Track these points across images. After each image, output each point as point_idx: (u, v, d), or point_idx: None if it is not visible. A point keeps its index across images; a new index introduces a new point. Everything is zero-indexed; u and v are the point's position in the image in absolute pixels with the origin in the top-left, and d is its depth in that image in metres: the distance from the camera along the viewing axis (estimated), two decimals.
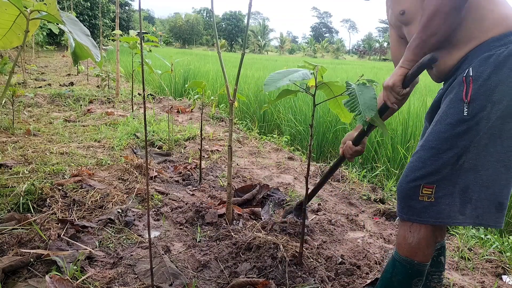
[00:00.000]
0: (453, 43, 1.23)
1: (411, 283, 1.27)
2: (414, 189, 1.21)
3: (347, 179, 3.24)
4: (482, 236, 2.33)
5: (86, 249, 1.77)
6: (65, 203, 2.18)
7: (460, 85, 1.17)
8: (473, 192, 1.18)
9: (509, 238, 2.31)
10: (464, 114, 1.14)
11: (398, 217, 1.33)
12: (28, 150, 3.08)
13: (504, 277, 1.89)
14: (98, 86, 7.20)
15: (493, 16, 1.18)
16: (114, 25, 13.35)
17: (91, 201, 2.23)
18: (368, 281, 1.71)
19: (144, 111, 1.25)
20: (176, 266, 1.69)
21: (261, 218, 2.31)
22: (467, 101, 1.14)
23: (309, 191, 1.80)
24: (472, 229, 2.45)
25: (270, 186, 2.72)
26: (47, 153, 3.03)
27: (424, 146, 1.22)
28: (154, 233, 2.05)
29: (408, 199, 1.23)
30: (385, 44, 71.35)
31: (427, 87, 9.12)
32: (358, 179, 3.32)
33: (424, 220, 1.21)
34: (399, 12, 1.34)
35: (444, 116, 1.19)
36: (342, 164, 1.82)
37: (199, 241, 1.99)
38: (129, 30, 4.59)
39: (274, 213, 2.43)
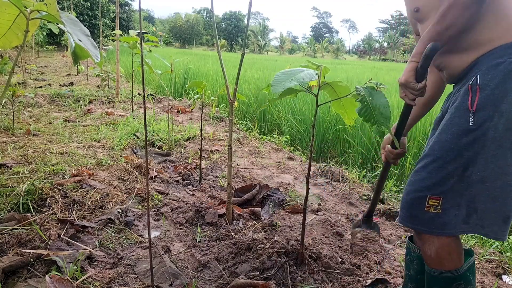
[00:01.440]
0: (464, 47, 1.19)
1: None
2: (419, 200, 1.19)
3: (347, 179, 3.24)
4: (482, 236, 2.33)
5: (86, 249, 1.77)
6: (65, 203, 2.18)
7: (466, 94, 1.13)
8: (479, 202, 1.14)
9: (509, 238, 2.31)
10: (470, 124, 1.11)
11: (397, 220, 1.32)
12: (28, 150, 3.08)
13: (504, 277, 1.89)
14: (98, 86, 7.19)
15: (508, 22, 1.14)
16: (114, 25, 13.35)
17: (91, 201, 2.23)
18: (369, 281, 1.71)
19: (144, 111, 1.25)
20: (176, 266, 1.69)
21: (261, 218, 2.31)
22: (472, 111, 1.10)
23: (370, 206, 1.75)
24: None
25: (270, 186, 2.72)
26: (47, 153, 3.03)
27: (429, 155, 1.19)
28: (154, 233, 2.04)
29: (413, 208, 1.21)
30: (385, 44, 71.38)
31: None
32: (358, 179, 3.32)
33: (429, 231, 1.19)
34: (414, 9, 1.30)
35: (449, 125, 1.15)
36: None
37: (199, 241, 1.99)
38: (129, 30, 4.59)
39: (274, 213, 2.43)
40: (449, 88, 1.42)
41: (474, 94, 1.11)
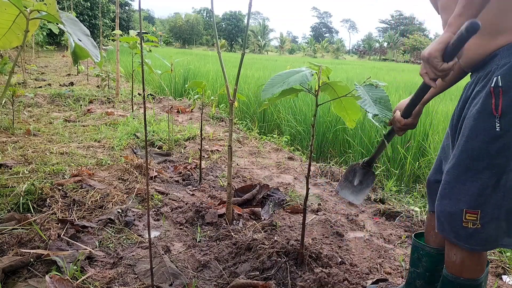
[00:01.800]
0: (487, 29, 1.08)
1: None
2: (456, 215, 1.12)
3: None
4: None
5: (86, 249, 1.77)
6: (65, 203, 2.18)
7: (488, 97, 1.06)
8: None
9: None
10: (497, 129, 1.05)
11: (436, 228, 1.21)
12: (28, 150, 3.08)
13: (504, 277, 1.89)
14: (98, 86, 7.20)
15: None
16: (114, 25, 13.35)
17: (91, 201, 2.23)
18: (369, 282, 1.71)
19: (144, 111, 1.25)
20: (176, 266, 1.69)
21: (261, 218, 2.31)
22: (498, 115, 1.04)
23: (372, 154, 1.72)
24: None
25: (270, 186, 2.72)
26: (47, 153, 3.03)
27: (459, 166, 1.12)
28: (154, 233, 2.04)
29: (452, 223, 1.14)
30: (385, 44, 71.37)
31: None
32: None
33: (471, 248, 1.13)
34: None
35: (475, 132, 1.08)
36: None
37: (199, 241, 1.99)
38: (129, 30, 4.59)
39: (274, 213, 2.43)
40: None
41: (497, 97, 1.05)
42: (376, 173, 3.57)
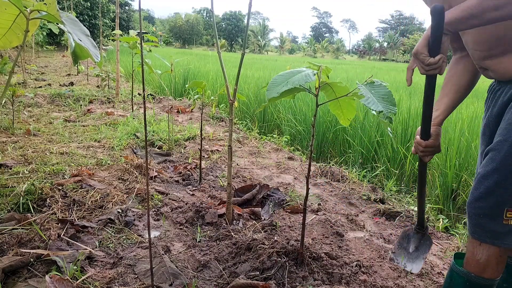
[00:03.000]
0: None
1: None
2: (497, 213, 1.15)
3: (347, 179, 3.24)
4: None
5: (86, 249, 1.77)
6: (65, 203, 2.18)
7: None
8: None
9: None
10: None
11: (468, 232, 1.22)
12: (28, 150, 3.08)
13: None
14: (98, 86, 7.20)
15: None
16: (114, 25, 13.35)
17: (91, 201, 2.23)
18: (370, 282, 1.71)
19: (144, 111, 1.25)
20: (176, 266, 1.69)
21: (261, 218, 2.31)
22: None
23: (418, 215, 1.63)
24: None
25: (270, 186, 2.72)
26: (47, 153, 3.03)
27: (502, 170, 1.14)
28: (154, 233, 2.04)
29: (489, 222, 1.16)
30: (385, 44, 71.36)
31: None
32: (358, 179, 3.32)
33: (508, 244, 1.16)
34: None
35: None
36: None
37: (199, 241, 1.99)
38: (129, 30, 4.59)
39: (274, 213, 2.43)
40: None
41: None
42: (376, 173, 3.58)
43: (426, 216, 2.50)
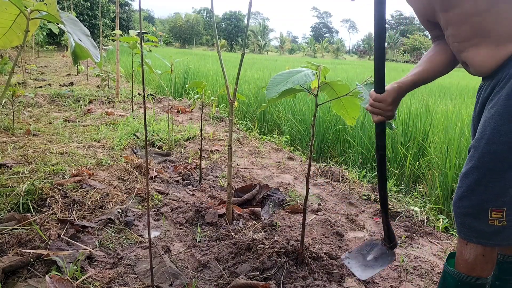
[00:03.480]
0: (494, 39, 1.12)
1: None
2: (481, 213, 1.14)
3: (347, 179, 3.24)
4: None
5: (86, 249, 1.77)
6: (65, 203, 2.18)
7: (508, 99, 1.08)
8: None
9: None
10: None
11: (457, 233, 1.22)
12: (28, 150, 3.08)
13: None
14: (98, 86, 7.20)
15: None
16: (114, 25, 13.35)
17: (91, 201, 2.23)
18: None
19: (144, 111, 1.25)
20: (176, 266, 1.69)
21: (261, 218, 2.31)
22: None
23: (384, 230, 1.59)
24: None
25: (270, 186, 2.72)
26: (47, 153, 3.03)
27: (480, 168, 1.13)
28: (154, 233, 2.04)
29: (476, 222, 1.16)
30: (385, 44, 71.29)
31: (426, 87, 9.12)
32: (358, 179, 3.32)
33: (496, 243, 1.16)
34: None
35: (497, 135, 1.10)
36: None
37: (199, 241, 1.99)
38: (129, 30, 4.59)
39: (274, 213, 2.43)
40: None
41: None
42: (376, 173, 3.57)
43: (426, 216, 2.51)
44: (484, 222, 1.14)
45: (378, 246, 1.63)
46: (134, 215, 2.18)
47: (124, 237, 1.95)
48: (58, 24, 1.33)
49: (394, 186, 3.24)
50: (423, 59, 1.42)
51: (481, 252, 1.17)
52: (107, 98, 5.98)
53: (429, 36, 1.39)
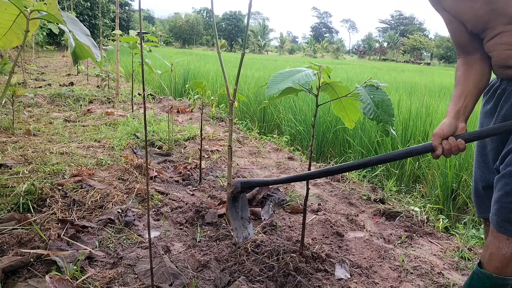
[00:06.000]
0: None
1: None
2: None
3: (347, 179, 3.25)
4: (482, 236, 2.33)
5: (86, 249, 1.77)
6: (65, 203, 2.18)
7: None
8: None
9: None
10: None
11: (493, 225, 1.24)
12: (28, 150, 3.08)
13: None
14: (98, 86, 7.20)
15: None
16: (114, 25, 13.35)
17: (91, 201, 2.23)
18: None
19: (144, 111, 1.25)
20: (176, 266, 1.69)
21: (261, 218, 2.31)
22: None
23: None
24: (472, 229, 2.45)
25: (270, 186, 2.72)
26: (47, 153, 3.03)
27: None
28: (154, 233, 2.04)
29: None
30: (385, 44, 71.37)
31: (427, 87, 9.13)
32: (358, 179, 3.32)
33: None
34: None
35: None
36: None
37: (199, 241, 1.99)
38: (129, 30, 4.59)
39: (274, 213, 2.43)
40: None
41: None
42: (376, 173, 3.57)
43: (426, 216, 2.51)
44: None
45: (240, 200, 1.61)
46: (134, 215, 2.18)
47: (124, 237, 1.95)
48: (58, 24, 1.33)
49: (394, 186, 3.24)
50: (460, 78, 1.37)
51: None
52: (107, 98, 5.98)
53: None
